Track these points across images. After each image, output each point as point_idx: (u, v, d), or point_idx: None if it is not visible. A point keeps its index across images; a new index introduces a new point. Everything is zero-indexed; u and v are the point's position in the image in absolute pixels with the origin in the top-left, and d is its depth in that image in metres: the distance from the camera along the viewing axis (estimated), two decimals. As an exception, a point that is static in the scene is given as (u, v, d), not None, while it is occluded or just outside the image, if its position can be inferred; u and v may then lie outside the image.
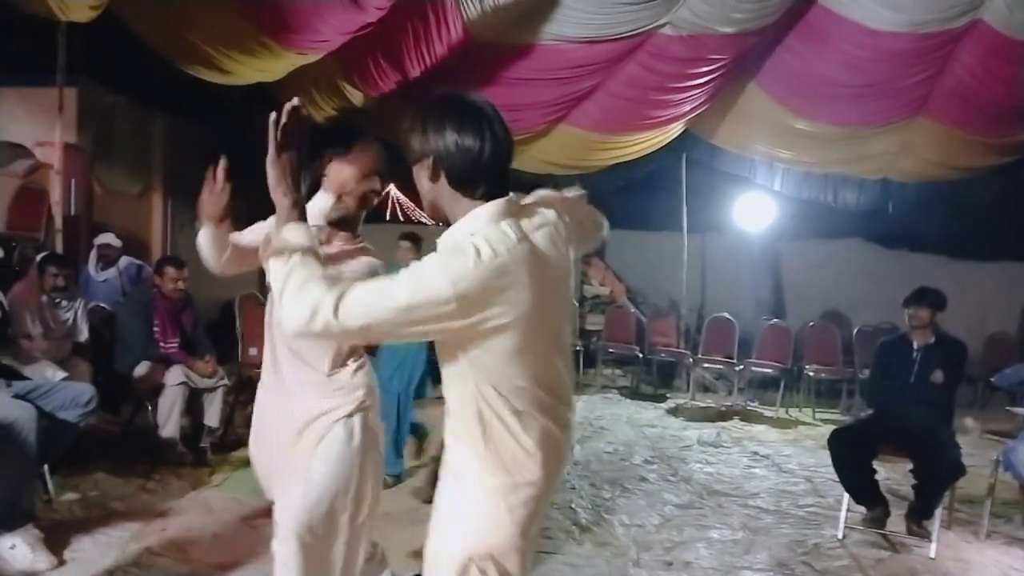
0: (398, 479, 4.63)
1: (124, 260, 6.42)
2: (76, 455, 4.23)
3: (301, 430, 2.31)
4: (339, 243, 2.35)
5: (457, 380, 1.59)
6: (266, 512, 3.95)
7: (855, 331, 8.44)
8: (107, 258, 6.22)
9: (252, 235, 2.46)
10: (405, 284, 1.45)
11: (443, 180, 1.57)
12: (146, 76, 6.52)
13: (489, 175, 1.57)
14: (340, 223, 2.34)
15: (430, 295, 1.43)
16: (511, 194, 1.61)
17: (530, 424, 1.58)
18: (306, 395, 2.32)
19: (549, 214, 1.67)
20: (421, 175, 1.60)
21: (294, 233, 1.57)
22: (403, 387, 4.66)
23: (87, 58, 6.14)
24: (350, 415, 2.31)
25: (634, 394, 8.30)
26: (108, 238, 6.26)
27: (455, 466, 1.63)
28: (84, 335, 4.86)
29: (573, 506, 4.43)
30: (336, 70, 6.81)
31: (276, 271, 1.52)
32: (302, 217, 1.63)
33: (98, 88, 6.95)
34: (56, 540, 3.44)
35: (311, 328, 1.44)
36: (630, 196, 9.33)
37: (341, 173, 2.32)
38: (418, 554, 1.85)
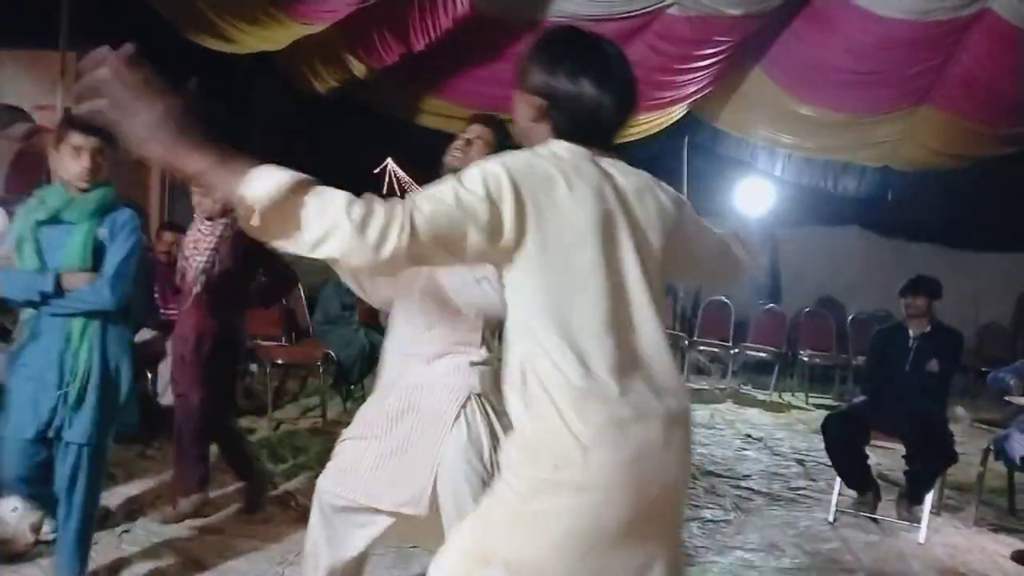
0: None
1: (120, 226, 6.39)
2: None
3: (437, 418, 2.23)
4: None
5: (512, 331, 1.35)
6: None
7: (850, 318, 8.50)
8: (100, 225, 6.18)
9: None
10: (454, 179, 1.27)
11: (545, 125, 1.40)
12: (148, 42, 6.45)
13: (598, 137, 1.42)
14: None
15: (482, 181, 1.26)
16: None
17: (590, 406, 1.25)
18: (451, 377, 2.25)
19: (651, 183, 1.52)
20: (524, 108, 1.42)
21: (260, 180, 1.19)
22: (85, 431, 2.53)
23: (90, 22, 6.07)
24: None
25: (629, 374, 8.34)
26: None
27: (506, 448, 1.39)
28: (84, 301, 4.84)
29: (568, 483, 4.48)
30: (340, 41, 6.76)
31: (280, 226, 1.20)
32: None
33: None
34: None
35: (379, 248, 1.18)
36: (631, 177, 9.34)
37: None
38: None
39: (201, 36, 5.78)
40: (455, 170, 2.37)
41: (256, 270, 3.70)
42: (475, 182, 1.26)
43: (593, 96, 1.36)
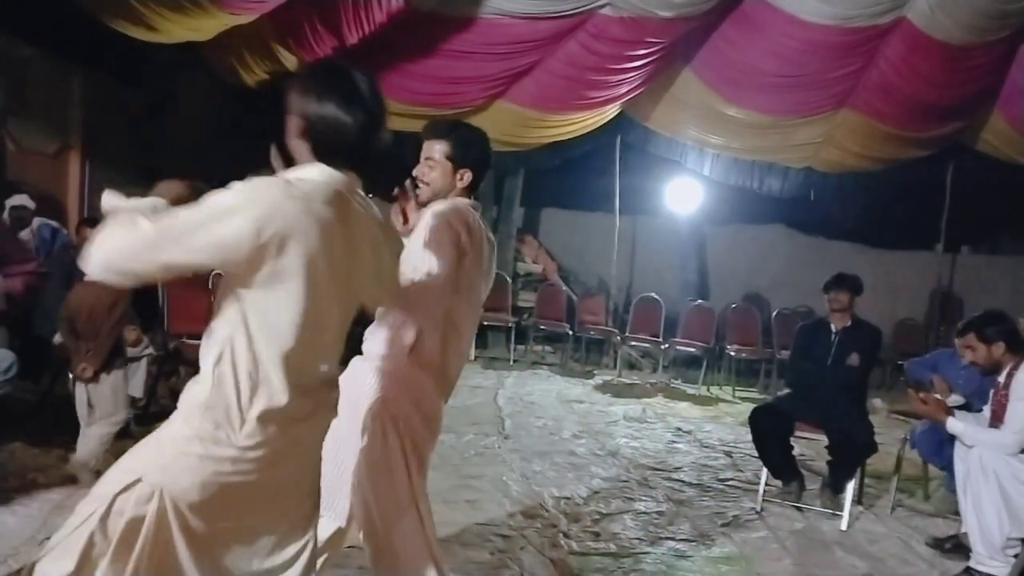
0: None
1: (37, 221, 6.17)
2: (-9, 424, 4.06)
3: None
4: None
5: (224, 311, 1.58)
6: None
7: (774, 313, 8.76)
8: (21, 221, 5.94)
9: None
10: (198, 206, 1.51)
11: (305, 143, 1.63)
12: (66, 29, 6.19)
13: (350, 155, 1.65)
14: None
15: (219, 208, 1.48)
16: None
17: (261, 394, 1.56)
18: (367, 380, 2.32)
19: (380, 223, 1.76)
20: (291, 127, 1.65)
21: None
22: None
23: (2, 7, 5.79)
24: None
25: (563, 370, 8.43)
26: (22, 200, 5.97)
27: (187, 391, 1.61)
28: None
29: (504, 479, 4.50)
30: (270, 32, 6.60)
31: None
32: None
33: (12, 39, 6.56)
34: (-29, 511, 3.32)
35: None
36: (565, 176, 9.41)
37: None
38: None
39: (123, 24, 5.56)
40: (424, 203, 2.40)
41: None
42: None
43: (336, 116, 1.60)
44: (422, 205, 2.39)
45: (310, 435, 1.70)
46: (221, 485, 1.55)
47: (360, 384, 2.30)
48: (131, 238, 1.47)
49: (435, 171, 2.39)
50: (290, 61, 6.97)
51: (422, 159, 2.40)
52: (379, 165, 1.72)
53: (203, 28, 5.97)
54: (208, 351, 1.58)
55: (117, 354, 4.00)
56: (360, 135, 1.62)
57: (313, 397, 1.65)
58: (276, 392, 1.56)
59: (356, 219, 1.66)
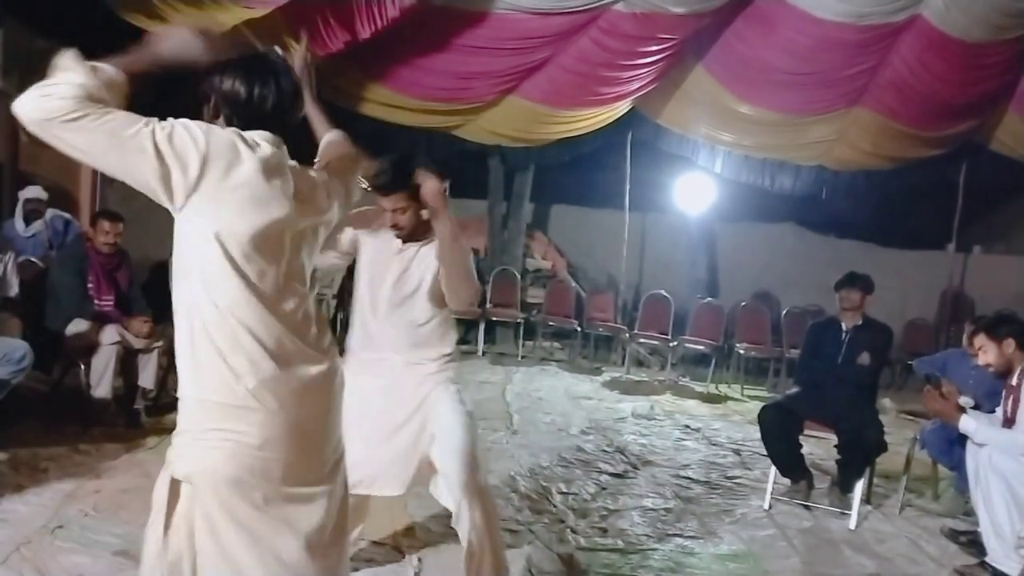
0: None
1: (49, 212, 6.23)
2: (3, 414, 4.09)
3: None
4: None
5: (180, 276, 1.69)
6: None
7: (784, 312, 8.74)
8: (36, 212, 6.00)
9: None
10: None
11: (221, 120, 1.73)
12: (80, 22, 6.22)
13: (266, 124, 1.74)
14: None
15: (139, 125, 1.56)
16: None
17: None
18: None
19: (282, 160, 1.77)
20: (205, 112, 1.75)
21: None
22: None
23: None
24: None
25: (572, 367, 8.43)
26: (35, 191, 6.03)
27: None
28: (14, 290, 4.66)
29: (512, 474, 4.51)
30: (283, 27, 6.59)
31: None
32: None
33: (26, 31, 6.59)
34: (-16, 500, 3.35)
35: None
36: (575, 172, 9.40)
37: None
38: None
39: (136, 16, 5.60)
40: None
41: None
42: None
43: (256, 91, 1.72)
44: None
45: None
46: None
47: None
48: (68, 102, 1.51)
49: (406, 215, 2.57)
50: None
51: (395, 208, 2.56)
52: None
53: (216, 22, 5.98)
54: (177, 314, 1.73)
55: None
56: (276, 110, 1.75)
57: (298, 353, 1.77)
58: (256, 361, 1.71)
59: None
